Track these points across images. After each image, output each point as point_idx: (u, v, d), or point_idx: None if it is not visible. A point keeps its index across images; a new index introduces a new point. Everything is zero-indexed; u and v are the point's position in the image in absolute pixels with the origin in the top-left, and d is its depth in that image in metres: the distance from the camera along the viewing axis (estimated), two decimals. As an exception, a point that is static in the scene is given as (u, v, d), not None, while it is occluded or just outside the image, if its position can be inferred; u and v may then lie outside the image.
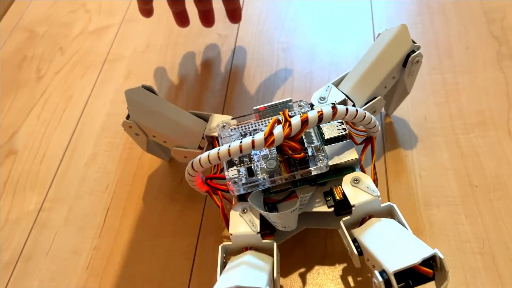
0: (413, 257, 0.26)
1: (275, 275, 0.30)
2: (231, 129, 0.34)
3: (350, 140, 0.34)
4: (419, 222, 0.37)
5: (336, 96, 0.36)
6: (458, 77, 0.47)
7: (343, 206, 0.32)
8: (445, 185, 0.39)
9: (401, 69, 0.38)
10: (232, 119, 0.35)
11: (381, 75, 0.37)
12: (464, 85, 0.46)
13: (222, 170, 0.35)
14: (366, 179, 0.32)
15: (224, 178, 0.33)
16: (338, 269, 0.36)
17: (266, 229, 0.32)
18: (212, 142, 0.37)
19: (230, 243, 0.32)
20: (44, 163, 0.46)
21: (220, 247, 0.32)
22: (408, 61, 0.37)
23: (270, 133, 0.29)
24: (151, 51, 0.55)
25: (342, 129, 0.34)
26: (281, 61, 0.51)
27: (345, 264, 0.36)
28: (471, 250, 0.35)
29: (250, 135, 0.33)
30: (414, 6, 0.55)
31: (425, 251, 0.27)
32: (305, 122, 0.29)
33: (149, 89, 0.38)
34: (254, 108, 0.35)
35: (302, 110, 0.34)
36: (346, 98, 0.36)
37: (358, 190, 0.32)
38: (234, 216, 0.32)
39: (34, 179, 0.44)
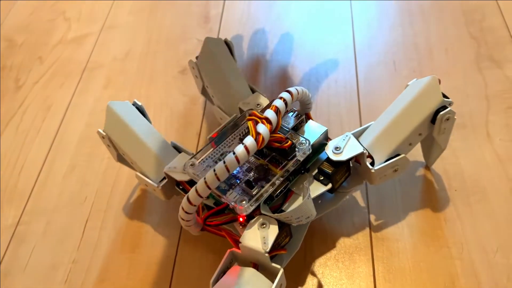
0: None
1: None
2: (200, 163, 0.33)
3: (310, 120, 0.36)
4: (398, 226, 0.37)
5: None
6: (438, 79, 0.47)
7: (334, 176, 0.33)
8: (424, 188, 0.39)
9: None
10: (190, 158, 0.33)
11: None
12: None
13: (203, 209, 0.34)
14: (339, 141, 0.34)
15: (222, 208, 0.33)
16: (315, 279, 0.36)
17: (283, 242, 0.32)
18: (182, 184, 0.35)
19: (239, 251, 0.31)
20: (22, 175, 0.45)
21: (228, 251, 0.32)
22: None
23: (257, 133, 0.29)
24: (130, 58, 0.54)
25: (297, 116, 0.35)
26: (262, 65, 0.51)
27: (323, 272, 0.36)
28: (450, 255, 0.35)
29: (222, 159, 0.30)
30: (393, 6, 0.54)
31: None
32: (277, 111, 0.31)
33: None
34: (208, 137, 0.35)
35: (259, 109, 0.35)
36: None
37: (346, 149, 0.33)
38: (251, 228, 0.31)
39: (13, 191, 0.44)
